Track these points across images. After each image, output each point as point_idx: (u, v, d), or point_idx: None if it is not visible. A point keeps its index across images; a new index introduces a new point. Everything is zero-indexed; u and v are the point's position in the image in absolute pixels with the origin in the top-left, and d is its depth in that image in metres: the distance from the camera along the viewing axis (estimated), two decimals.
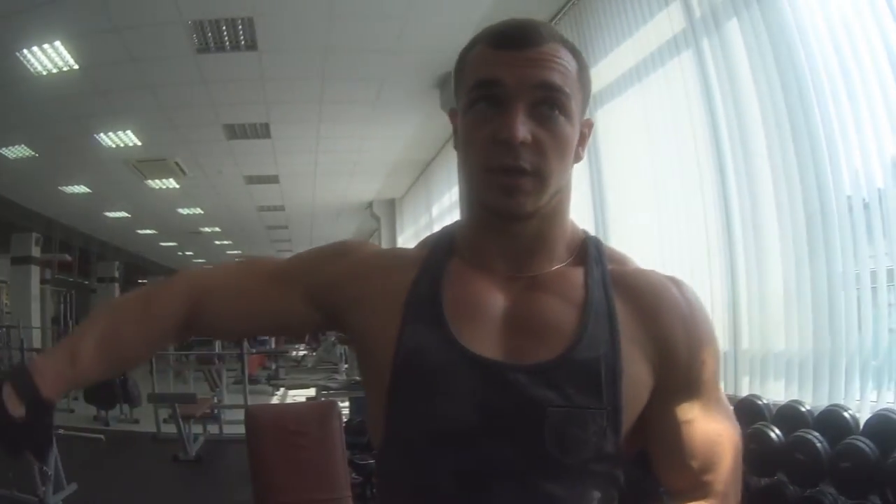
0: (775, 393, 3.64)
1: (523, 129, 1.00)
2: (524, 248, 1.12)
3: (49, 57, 6.34)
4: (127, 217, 15.62)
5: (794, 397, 3.38)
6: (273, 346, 15.69)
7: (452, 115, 1.14)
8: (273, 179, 12.01)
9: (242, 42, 6.20)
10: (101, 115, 8.16)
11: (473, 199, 1.12)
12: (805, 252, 3.48)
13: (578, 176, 5.73)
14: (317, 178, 11.94)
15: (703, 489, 1.09)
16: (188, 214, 15.52)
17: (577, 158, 1.12)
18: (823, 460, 2.75)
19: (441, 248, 1.19)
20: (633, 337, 1.07)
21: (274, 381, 11.66)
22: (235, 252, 23.90)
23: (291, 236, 19.62)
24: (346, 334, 1.19)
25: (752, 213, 3.85)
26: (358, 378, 7.11)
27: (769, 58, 3.59)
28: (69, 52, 6.29)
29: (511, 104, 1.02)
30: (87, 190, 12.51)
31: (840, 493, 2.72)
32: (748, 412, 3.35)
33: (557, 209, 1.12)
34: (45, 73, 6.60)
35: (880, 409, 2.82)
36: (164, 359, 11.26)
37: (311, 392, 8.52)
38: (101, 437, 8.24)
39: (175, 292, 1.21)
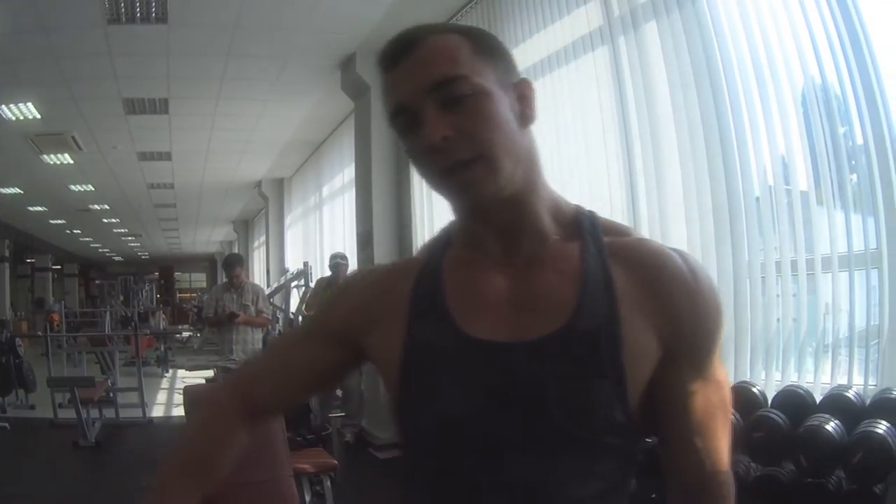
0: None
1: (440, 128, 1.03)
2: (510, 230, 1.12)
3: None
4: (19, 193, 14.89)
5: None
6: (161, 327, 15.34)
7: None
8: (166, 156, 11.68)
9: (153, 14, 6.05)
10: (4, 86, 7.78)
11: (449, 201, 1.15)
12: (711, 241, 3.75)
13: None
14: (209, 155, 11.69)
15: (702, 470, 1.11)
16: (79, 191, 14.85)
17: (527, 120, 1.11)
18: (737, 431, 2.99)
19: (438, 245, 1.21)
20: (636, 306, 1.07)
21: (171, 363, 11.38)
22: (122, 230, 23.10)
23: (178, 215, 19.09)
24: (369, 359, 1.22)
25: (660, 204, 4.11)
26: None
27: (685, 60, 3.84)
28: None
29: (421, 115, 1.04)
30: None
31: (754, 461, 2.98)
32: None
33: (527, 182, 1.11)
34: None
35: (787, 385, 3.11)
36: (56, 340, 10.87)
37: (210, 374, 8.38)
38: (6, 425, 7.97)
39: (226, 407, 1.25)
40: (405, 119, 1.07)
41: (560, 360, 1.05)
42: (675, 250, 1.13)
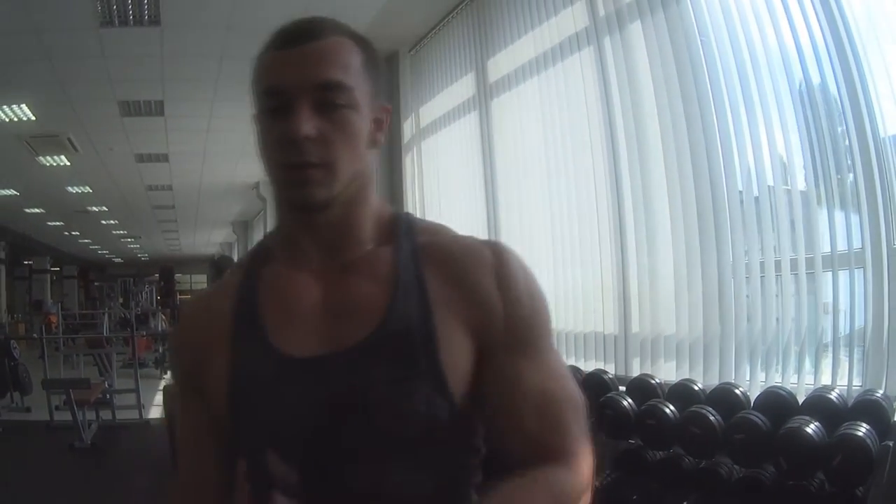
0: (666, 373, 3.89)
1: (306, 126, 1.04)
2: (332, 236, 1.14)
3: None
4: (15, 195, 14.82)
5: (686, 377, 3.63)
6: (161, 328, 15.32)
7: (254, 119, 1.15)
8: (163, 158, 11.68)
9: (146, 16, 6.04)
10: None
11: (277, 197, 1.16)
12: (696, 242, 3.74)
13: (472, 168, 5.92)
14: (206, 157, 11.70)
15: (545, 453, 1.07)
16: (77, 193, 14.82)
17: (375, 144, 1.14)
18: (718, 433, 3.00)
19: (255, 260, 1.21)
20: (447, 303, 1.09)
21: (167, 364, 11.34)
22: (121, 232, 23.13)
23: (178, 216, 19.13)
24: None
25: (645, 205, 4.10)
26: None
27: (669, 60, 3.83)
28: None
29: (295, 105, 1.05)
30: None
31: (735, 463, 2.97)
32: (641, 390, 3.59)
33: (359, 194, 1.14)
34: None
35: (770, 387, 3.09)
36: (53, 343, 10.86)
37: None
38: (0, 428, 7.95)
39: None
40: (274, 101, 1.07)
41: (376, 365, 1.05)
42: (487, 244, 1.15)
